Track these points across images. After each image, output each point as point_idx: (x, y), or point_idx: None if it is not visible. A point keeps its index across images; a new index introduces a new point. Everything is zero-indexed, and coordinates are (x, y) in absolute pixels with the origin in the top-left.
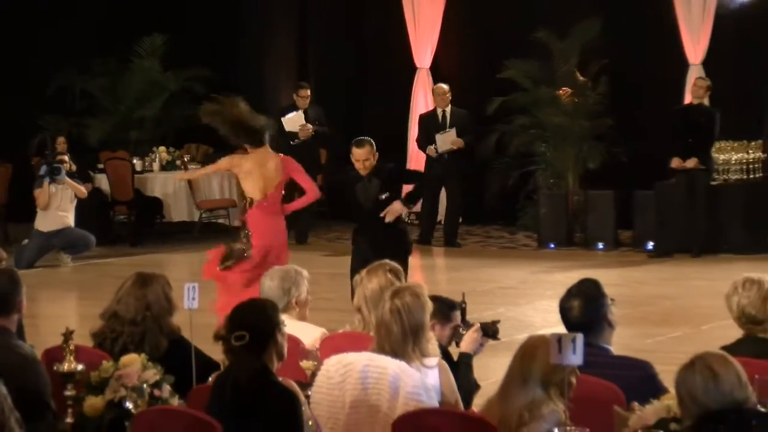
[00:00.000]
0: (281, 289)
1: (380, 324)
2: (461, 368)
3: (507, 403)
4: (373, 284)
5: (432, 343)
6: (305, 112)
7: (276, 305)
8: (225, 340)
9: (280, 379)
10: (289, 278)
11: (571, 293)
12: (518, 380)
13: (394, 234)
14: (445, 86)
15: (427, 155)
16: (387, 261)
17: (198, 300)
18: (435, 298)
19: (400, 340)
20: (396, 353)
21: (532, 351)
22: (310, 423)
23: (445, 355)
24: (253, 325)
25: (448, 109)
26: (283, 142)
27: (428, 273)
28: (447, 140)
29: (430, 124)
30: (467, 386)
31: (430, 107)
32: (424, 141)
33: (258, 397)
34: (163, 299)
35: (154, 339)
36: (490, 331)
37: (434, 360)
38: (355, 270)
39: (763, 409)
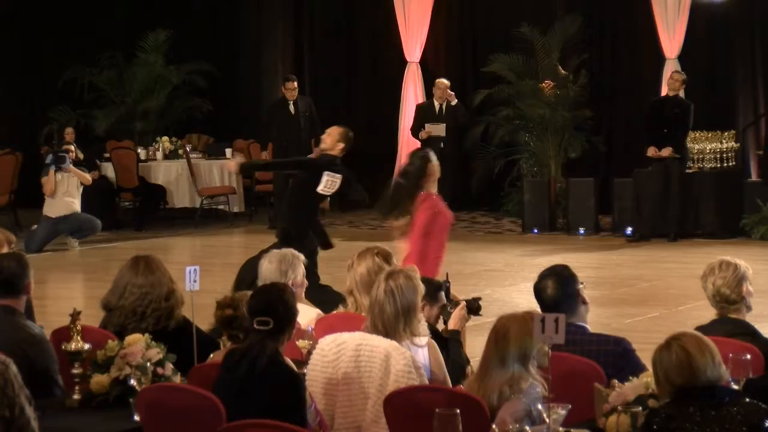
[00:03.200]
0: (279, 271)
1: (374, 304)
2: (452, 345)
3: (487, 382)
4: (362, 268)
5: (422, 324)
6: (294, 104)
7: (293, 291)
8: (227, 320)
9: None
10: (287, 261)
11: (544, 275)
12: (496, 361)
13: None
14: (446, 81)
15: (420, 140)
16: (376, 245)
17: (199, 282)
18: (423, 280)
19: (393, 320)
20: (388, 332)
21: (504, 331)
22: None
23: (435, 333)
24: (278, 311)
25: (445, 104)
26: (278, 133)
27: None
28: (436, 130)
29: (427, 115)
30: (459, 361)
31: (420, 99)
32: (418, 129)
33: (269, 380)
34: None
35: (180, 311)
36: (473, 307)
37: (424, 339)
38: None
39: (736, 387)
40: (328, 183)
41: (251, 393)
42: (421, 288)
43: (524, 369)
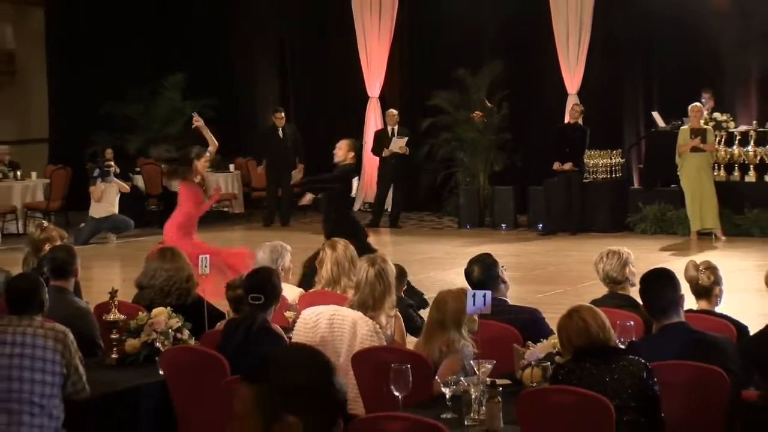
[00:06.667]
0: (271, 259)
1: (365, 285)
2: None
3: (430, 343)
4: (339, 252)
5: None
6: (282, 130)
7: (278, 273)
8: (237, 298)
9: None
10: (276, 251)
11: (471, 261)
12: (437, 325)
13: None
14: (395, 111)
15: (381, 158)
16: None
17: (209, 267)
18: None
19: (382, 297)
20: (376, 306)
21: (443, 302)
22: None
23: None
24: (267, 289)
25: (396, 127)
26: (269, 152)
27: (379, 247)
28: (397, 144)
29: (383, 138)
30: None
31: (380, 127)
32: (378, 149)
33: (261, 342)
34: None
35: (195, 290)
36: None
37: (393, 311)
38: None
39: (622, 347)
40: (355, 185)
41: (247, 353)
42: (394, 269)
43: (458, 333)
